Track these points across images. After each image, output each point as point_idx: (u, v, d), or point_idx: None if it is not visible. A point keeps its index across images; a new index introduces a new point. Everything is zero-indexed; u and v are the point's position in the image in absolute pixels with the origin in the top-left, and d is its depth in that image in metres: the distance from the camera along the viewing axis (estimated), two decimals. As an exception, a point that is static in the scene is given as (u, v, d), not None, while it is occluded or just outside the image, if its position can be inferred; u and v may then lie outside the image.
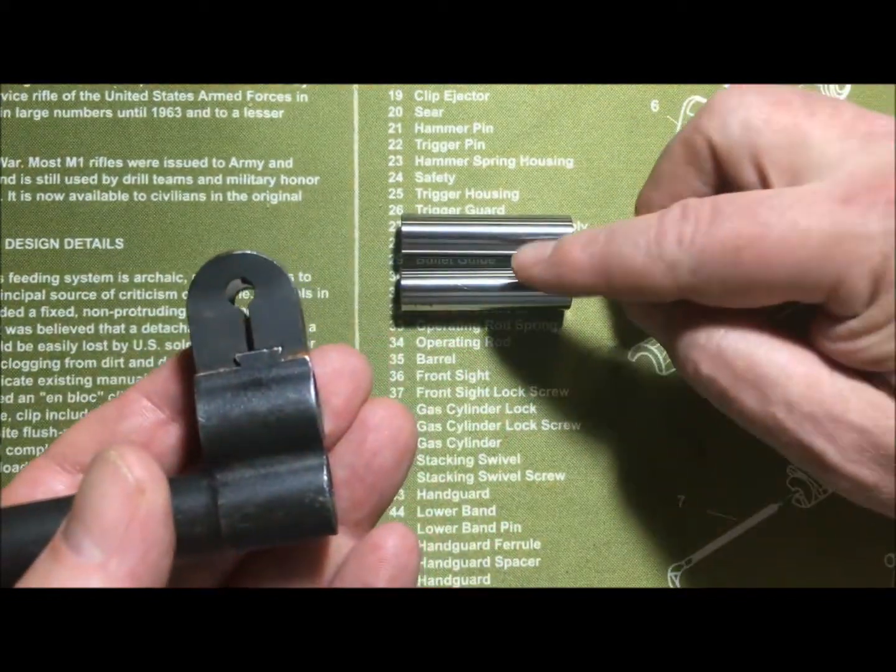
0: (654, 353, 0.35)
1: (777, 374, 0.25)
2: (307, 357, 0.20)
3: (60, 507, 0.18)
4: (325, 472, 0.19)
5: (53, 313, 0.34)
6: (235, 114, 0.34)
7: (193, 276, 0.21)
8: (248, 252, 0.21)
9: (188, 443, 0.21)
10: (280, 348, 0.20)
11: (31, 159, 0.34)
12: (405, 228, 0.33)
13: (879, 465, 0.24)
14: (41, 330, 0.34)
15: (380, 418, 0.21)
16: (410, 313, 0.35)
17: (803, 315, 0.26)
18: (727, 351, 0.25)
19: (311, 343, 0.34)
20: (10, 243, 0.34)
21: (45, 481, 0.20)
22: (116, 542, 0.17)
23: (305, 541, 0.21)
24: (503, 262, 0.33)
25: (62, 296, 0.34)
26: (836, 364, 0.25)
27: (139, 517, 0.17)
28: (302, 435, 0.19)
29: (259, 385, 0.20)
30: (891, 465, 0.24)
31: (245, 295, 0.25)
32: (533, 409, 0.35)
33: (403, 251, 0.33)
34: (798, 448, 0.25)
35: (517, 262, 0.31)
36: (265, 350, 0.20)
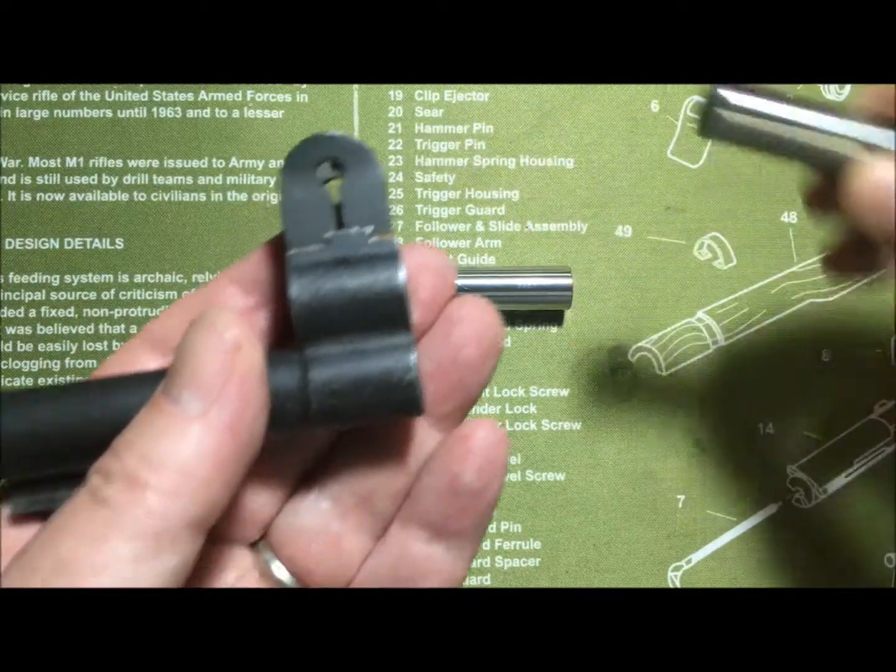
0: (654, 353, 0.35)
1: None
2: (396, 239, 0.20)
3: (157, 377, 0.18)
4: (413, 351, 0.19)
5: (53, 313, 0.34)
6: (235, 114, 0.34)
7: (286, 155, 0.21)
8: (340, 133, 0.21)
9: (276, 329, 0.21)
10: (369, 229, 0.20)
11: (31, 159, 0.34)
12: None
13: None
14: (41, 330, 0.34)
15: (465, 313, 0.21)
16: (410, 313, 0.35)
17: None
18: None
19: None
20: (10, 243, 0.34)
21: (138, 361, 0.21)
22: (215, 394, 0.17)
23: (393, 420, 0.21)
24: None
25: (62, 296, 0.34)
26: None
27: (237, 372, 0.17)
28: (391, 313, 0.20)
29: (349, 263, 0.20)
30: None
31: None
32: (533, 409, 0.35)
33: None
34: None
35: None
36: (355, 230, 0.20)
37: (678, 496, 0.35)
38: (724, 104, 0.27)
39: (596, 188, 0.35)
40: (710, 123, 0.27)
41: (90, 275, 0.34)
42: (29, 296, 0.33)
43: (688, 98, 0.36)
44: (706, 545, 0.35)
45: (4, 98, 0.33)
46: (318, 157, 0.21)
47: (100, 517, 0.16)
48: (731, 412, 0.35)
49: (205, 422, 0.17)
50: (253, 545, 0.21)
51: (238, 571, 0.21)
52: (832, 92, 0.36)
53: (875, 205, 0.26)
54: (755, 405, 0.35)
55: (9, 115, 0.34)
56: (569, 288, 0.34)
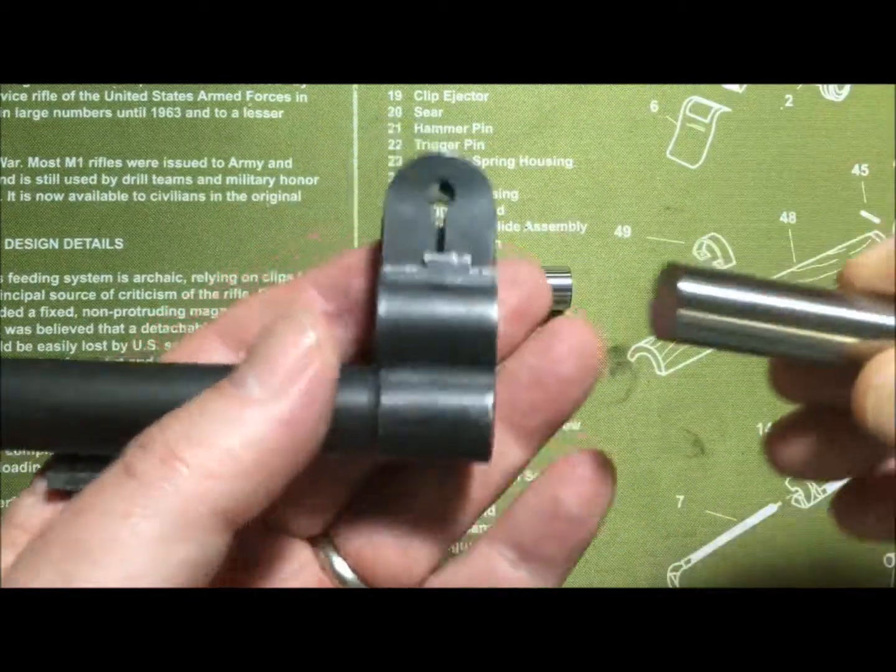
0: (654, 353, 0.35)
1: None
2: (495, 273, 0.20)
3: (221, 371, 0.18)
4: (492, 393, 0.19)
5: (53, 313, 0.34)
6: (235, 114, 0.34)
7: (398, 170, 0.20)
8: (456, 156, 0.20)
9: (349, 343, 0.21)
10: (469, 258, 0.20)
11: (30, 159, 0.34)
12: None
13: None
14: (41, 330, 0.33)
15: (567, 331, 0.20)
16: (410, 313, 0.35)
17: None
18: None
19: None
20: (9, 243, 0.34)
21: (206, 351, 0.20)
22: (282, 386, 0.16)
23: (454, 463, 0.20)
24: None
25: (62, 296, 0.34)
26: None
27: (311, 370, 0.17)
28: (477, 350, 0.19)
29: (444, 290, 0.19)
30: None
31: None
32: (533, 409, 0.35)
33: None
34: None
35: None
36: (455, 257, 0.20)
37: (677, 496, 0.35)
38: (691, 302, 0.19)
39: (595, 188, 0.35)
40: (667, 323, 0.19)
41: (90, 275, 0.34)
42: (28, 296, 0.33)
43: (687, 98, 0.36)
44: (705, 545, 0.35)
45: (4, 98, 0.33)
46: (429, 176, 0.20)
47: (126, 490, 0.15)
48: (731, 412, 0.35)
49: (262, 409, 0.16)
50: (314, 540, 0.21)
51: (296, 564, 0.21)
52: (832, 92, 0.36)
53: None
54: (755, 405, 0.35)
55: (8, 116, 0.34)
56: (568, 288, 0.34)
